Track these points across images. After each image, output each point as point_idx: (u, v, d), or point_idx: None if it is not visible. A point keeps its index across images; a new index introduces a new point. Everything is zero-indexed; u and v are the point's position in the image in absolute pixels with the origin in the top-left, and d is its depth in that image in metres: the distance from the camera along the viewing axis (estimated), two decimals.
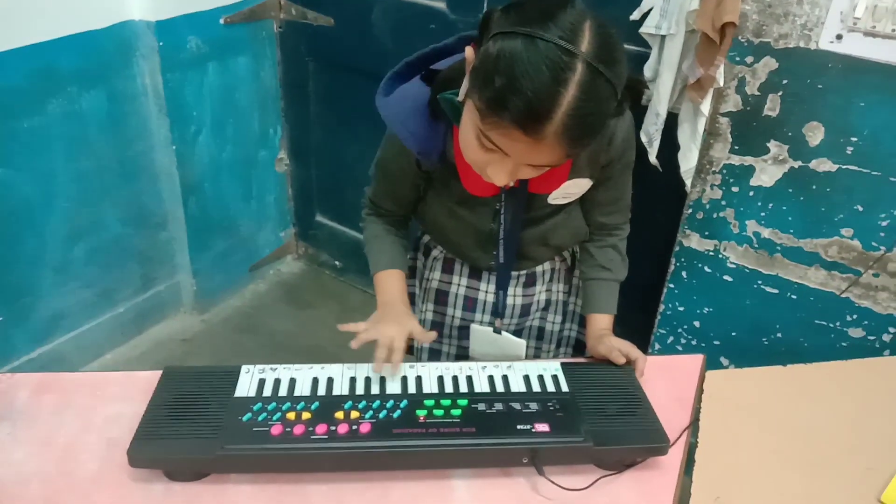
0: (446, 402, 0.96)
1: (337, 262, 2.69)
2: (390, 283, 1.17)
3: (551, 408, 0.96)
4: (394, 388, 1.00)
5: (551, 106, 0.78)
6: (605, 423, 0.95)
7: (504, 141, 0.83)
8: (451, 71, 0.95)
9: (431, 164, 1.06)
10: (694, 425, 0.99)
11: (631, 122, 1.07)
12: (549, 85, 0.77)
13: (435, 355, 1.34)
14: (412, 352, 1.40)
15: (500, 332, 1.25)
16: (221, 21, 2.13)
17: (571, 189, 1.09)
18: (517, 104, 0.78)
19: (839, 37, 1.26)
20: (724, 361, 1.64)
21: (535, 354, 1.34)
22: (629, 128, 1.07)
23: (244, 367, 1.02)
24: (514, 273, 1.23)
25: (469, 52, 0.88)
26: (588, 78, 0.79)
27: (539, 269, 1.25)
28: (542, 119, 0.79)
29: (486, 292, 1.26)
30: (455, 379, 1.02)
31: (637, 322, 1.57)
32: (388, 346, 1.02)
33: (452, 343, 1.32)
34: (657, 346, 1.72)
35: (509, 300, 1.25)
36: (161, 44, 1.99)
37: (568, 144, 0.82)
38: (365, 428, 0.91)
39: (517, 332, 1.30)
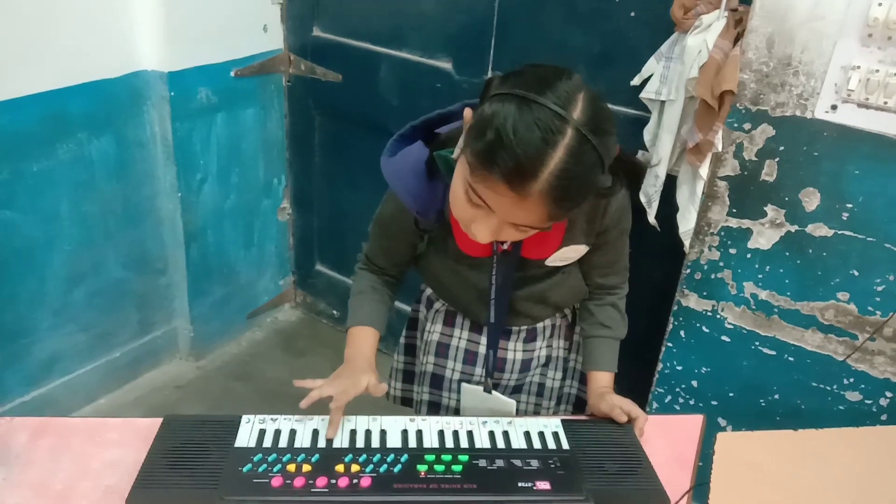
0: (447, 458, 0.96)
1: (334, 312, 2.69)
2: (360, 338, 1.17)
3: (552, 465, 0.96)
4: (394, 442, 1.00)
5: (538, 165, 0.81)
6: (605, 481, 0.95)
7: (490, 195, 0.86)
8: (451, 134, 0.99)
9: (429, 223, 1.08)
10: (703, 487, 0.99)
11: (625, 193, 1.10)
12: (538, 145, 0.81)
13: (434, 408, 1.34)
14: (411, 405, 1.40)
15: (490, 392, 1.25)
16: (232, 73, 2.19)
17: (569, 254, 1.12)
18: (506, 159, 0.81)
19: (834, 107, 1.31)
20: (722, 422, 1.64)
21: (535, 411, 1.34)
22: (624, 197, 1.10)
23: (244, 417, 1.02)
24: (514, 329, 1.24)
25: (468, 113, 0.92)
26: (576, 143, 0.82)
27: (540, 325, 1.26)
28: (528, 176, 0.81)
29: (487, 346, 1.26)
30: (456, 434, 1.02)
31: (635, 380, 1.57)
32: (340, 407, 1.02)
33: (452, 396, 1.32)
34: (655, 405, 1.71)
35: (510, 355, 1.26)
36: (172, 94, 2.04)
37: (550, 206, 0.85)
38: (366, 482, 0.91)
39: (517, 388, 1.30)
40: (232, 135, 2.28)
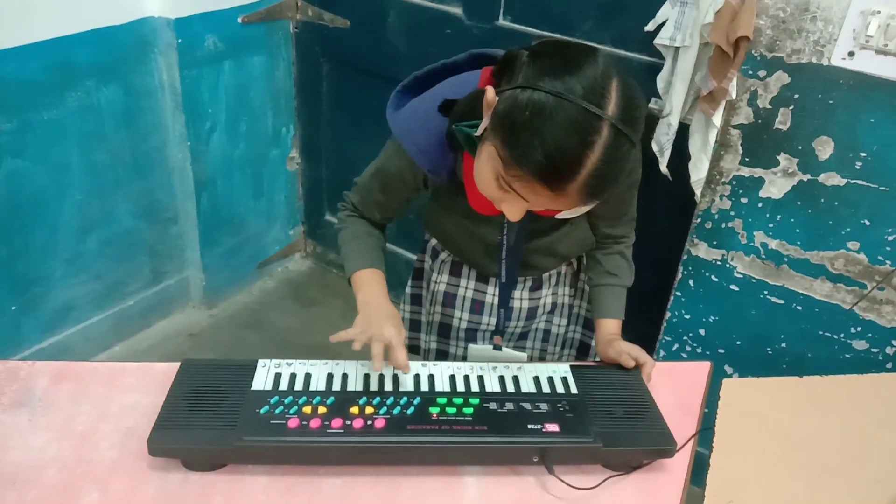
0: (458, 401, 0.98)
1: None
2: (374, 282, 1.13)
3: (561, 409, 0.98)
4: (407, 385, 1.02)
5: (576, 167, 0.81)
6: (613, 424, 0.97)
7: (525, 191, 0.85)
8: (468, 103, 0.96)
9: (440, 181, 1.08)
10: (709, 432, 1.01)
11: (638, 146, 1.09)
12: (575, 148, 0.80)
13: (442, 356, 1.36)
14: (418, 352, 1.43)
15: (500, 349, 1.27)
16: (239, 20, 2.16)
17: (580, 208, 1.11)
18: (543, 163, 0.80)
19: (851, 54, 1.28)
20: (729, 370, 1.66)
21: (541, 357, 1.36)
22: (637, 151, 1.09)
23: (261, 361, 1.04)
24: (520, 278, 1.25)
25: (490, 92, 0.88)
26: (612, 140, 0.81)
27: (545, 273, 1.27)
28: (567, 178, 0.81)
29: (494, 296, 1.27)
30: (466, 378, 1.04)
31: (643, 329, 1.58)
32: (383, 343, 0.99)
33: (460, 345, 1.34)
34: (662, 353, 1.74)
35: (516, 304, 1.27)
36: (179, 41, 2.02)
37: (585, 197, 0.85)
38: (379, 423, 0.93)
39: (523, 335, 1.32)
40: (240, 83, 2.26)
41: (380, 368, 0.98)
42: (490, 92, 0.88)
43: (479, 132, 0.90)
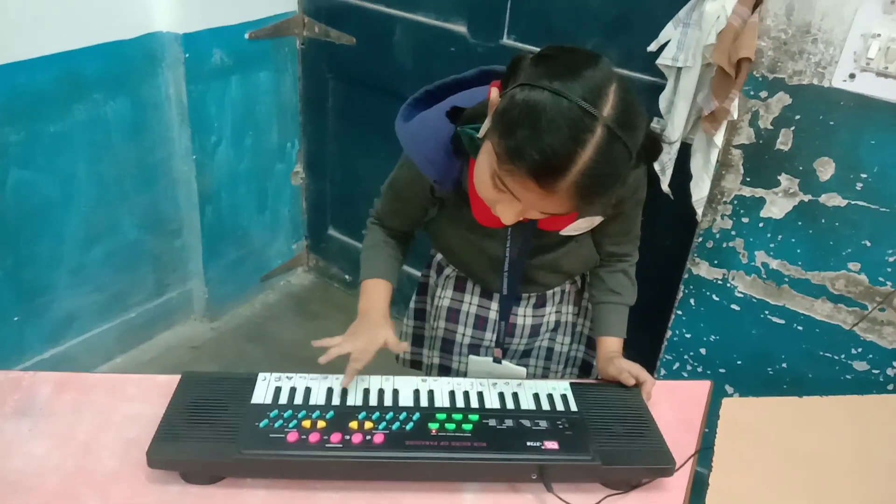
0: (458, 417, 0.98)
1: (347, 276, 2.72)
2: (374, 292, 1.18)
3: (560, 426, 0.98)
4: (406, 401, 1.02)
5: (567, 163, 0.81)
6: (612, 443, 0.97)
7: (517, 188, 0.86)
8: (475, 110, 0.97)
9: (445, 191, 1.09)
10: (708, 451, 1.01)
11: (643, 165, 1.09)
12: (567, 144, 0.80)
13: (445, 371, 1.36)
14: (420, 367, 1.43)
15: (500, 362, 1.27)
16: (246, 36, 2.19)
17: (583, 224, 1.12)
18: (534, 157, 0.81)
19: (852, 76, 1.29)
20: (729, 389, 1.66)
21: (544, 374, 1.36)
22: (641, 169, 1.09)
23: (261, 375, 1.04)
24: (524, 294, 1.26)
25: (494, 93, 0.90)
26: (606, 141, 0.82)
27: (549, 291, 1.27)
28: (557, 174, 0.82)
29: (497, 312, 1.28)
30: (466, 394, 1.04)
31: (643, 347, 1.58)
32: (359, 360, 1.05)
33: (462, 361, 1.34)
34: (663, 372, 1.73)
35: (520, 321, 1.28)
36: (187, 55, 2.04)
37: (577, 200, 0.85)
38: (378, 438, 0.93)
39: (526, 352, 1.32)
40: (246, 98, 2.28)
41: (346, 384, 1.03)
42: (494, 93, 0.90)
43: (481, 133, 0.91)
